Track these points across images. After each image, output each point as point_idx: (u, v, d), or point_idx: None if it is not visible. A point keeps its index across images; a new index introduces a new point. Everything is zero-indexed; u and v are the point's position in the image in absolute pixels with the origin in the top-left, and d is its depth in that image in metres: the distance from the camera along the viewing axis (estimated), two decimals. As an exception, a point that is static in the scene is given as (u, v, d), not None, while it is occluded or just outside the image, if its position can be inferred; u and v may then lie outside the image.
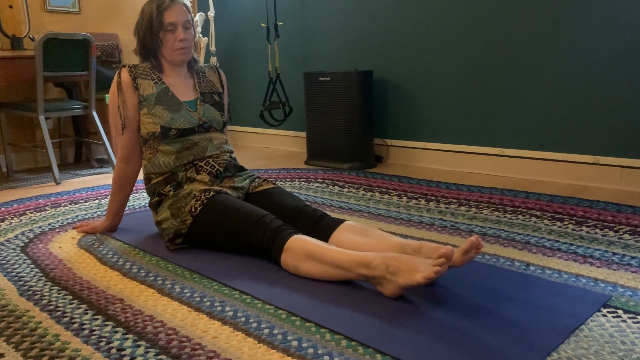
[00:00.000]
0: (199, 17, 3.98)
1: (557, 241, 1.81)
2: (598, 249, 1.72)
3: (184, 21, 1.89)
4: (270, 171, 3.20)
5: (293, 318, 1.30)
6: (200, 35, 4.05)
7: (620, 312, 1.29)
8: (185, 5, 1.92)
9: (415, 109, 3.27)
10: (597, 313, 1.28)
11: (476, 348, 1.13)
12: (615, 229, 1.91)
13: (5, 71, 3.05)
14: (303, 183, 2.87)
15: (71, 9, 3.79)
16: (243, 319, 1.30)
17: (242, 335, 1.23)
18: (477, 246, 1.38)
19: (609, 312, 1.29)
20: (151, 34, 1.88)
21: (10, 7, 3.47)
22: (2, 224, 2.23)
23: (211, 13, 4.02)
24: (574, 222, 2.01)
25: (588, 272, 1.54)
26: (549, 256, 1.68)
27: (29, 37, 3.36)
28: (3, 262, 1.78)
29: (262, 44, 4.03)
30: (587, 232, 1.89)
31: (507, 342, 1.15)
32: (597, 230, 1.90)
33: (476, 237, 1.37)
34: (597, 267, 1.58)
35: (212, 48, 4.06)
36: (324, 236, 1.65)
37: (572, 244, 1.77)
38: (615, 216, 2.05)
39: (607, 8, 2.47)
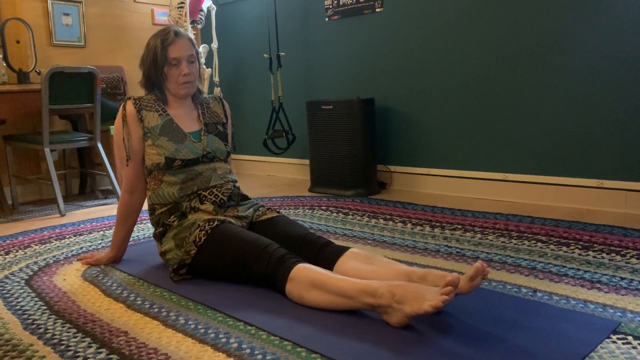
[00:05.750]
0: (202, 49, 4.05)
1: (564, 266, 1.79)
2: (605, 274, 1.70)
3: (188, 55, 1.91)
4: (274, 199, 3.20)
5: (299, 349, 1.29)
6: (204, 66, 4.11)
7: (630, 338, 1.27)
8: (190, 40, 1.95)
9: (418, 135, 3.28)
10: (607, 340, 1.26)
11: (485, 378, 1.11)
12: (622, 253, 1.90)
13: (12, 105, 3.09)
14: (307, 211, 2.87)
15: (77, 43, 3.86)
16: (248, 350, 1.29)
17: (247, 368, 1.21)
18: (483, 272, 1.37)
19: (618, 338, 1.27)
20: (156, 68, 1.91)
21: (18, 42, 3.53)
22: (6, 256, 2.23)
23: (214, 45, 4.08)
24: (580, 247, 2.00)
25: (596, 298, 1.52)
26: (556, 282, 1.66)
27: (36, 71, 3.41)
28: (7, 295, 1.78)
29: (265, 74, 4.08)
30: (594, 257, 1.87)
31: (516, 371, 1.13)
32: (604, 255, 1.89)
33: (481, 263, 1.36)
34: (605, 292, 1.56)
35: (216, 79, 4.12)
36: (329, 264, 1.64)
37: (579, 269, 1.76)
38: (621, 240, 2.04)
39: (608, 31, 2.50)
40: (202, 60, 4.04)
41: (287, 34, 3.94)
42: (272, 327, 1.40)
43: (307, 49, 3.85)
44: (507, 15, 2.80)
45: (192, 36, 1.97)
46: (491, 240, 2.14)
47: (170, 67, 1.91)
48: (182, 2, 3.92)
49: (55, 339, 1.42)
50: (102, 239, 2.47)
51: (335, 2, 3.60)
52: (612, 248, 1.96)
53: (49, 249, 2.33)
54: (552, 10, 2.65)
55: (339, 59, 3.65)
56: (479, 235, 2.22)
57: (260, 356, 1.26)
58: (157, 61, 1.90)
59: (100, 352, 1.32)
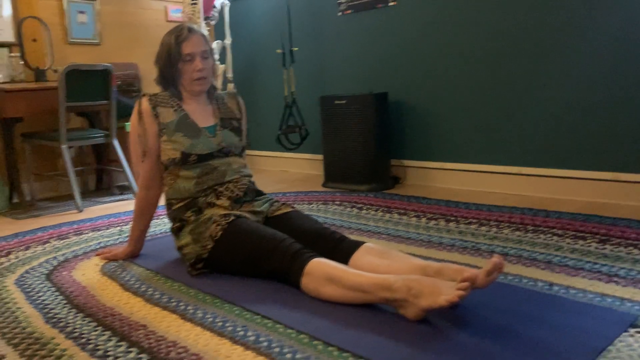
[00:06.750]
0: (215, 45, 4.06)
1: (581, 260, 1.78)
2: (623, 267, 1.69)
3: (201, 51, 1.93)
4: (288, 194, 3.21)
5: (315, 342, 1.30)
6: (218, 62, 4.13)
7: (648, 332, 1.26)
8: (203, 36, 1.96)
9: (431, 130, 3.27)
10: (624, 333, 1.26)
11: (501, 371, 1.12)
12: (639, 246, 1.88)
13: (29, 102, 3.13)
14: (321, 206, 2.87)
15: (92, 41, 3.90)
16: (265, 343, 1.31)
17: (264, 360, 1.23)
18: (500, 267, 1.37)
19: (636, 332, 1.26)
20: (170, 65, 1.93)
21: (34, 40, 3.58)
22: (26, 252, 2.27)
23: (228, 41, 4.10)
24: (596, 240, 1.98)
25: (613, 291, 1.51)
26: (572, 275, 1.65)
27: (52, 69, 3.45)
28: (28, 289, 1.81)
29: (278, 70, 4.08)
30: (611, 250, 1.86)
31: (533, 365, 1.13)
32: (621, 248, 1.87)
33: (498, 257, 1.35)
34: (623, 285, 1.55)
35: (229, 75, 4.13)
36: (344, 259, 1.65)
37: (595, 263, 1.75)
38: (639, 233, 2.02)
39: (623, 21, 2.46)
40: (216, 56, 4.05)
41: (300, 29, 3.94)
42: (289, 320, 1.42)
43: (320, 44, 3.85)
44: (523, 4, 2.78)
45: (206, 32, 1.98)
46: (506, 234, 2.13)
47: (184, 63, 1.92)
48: (196, -1, 3.93)
49: (76, 332, 1.45)
50: (119, 234, 2.50)
51: (348, -4, 3.59)
52: (629, 241, 1.94)
53: (67, 244, 2.37)
54: None
55: (352, 53, 3.65)
56: (494, 229, 2.21)
57: (277, 349, 1.27)
58: (171, 58, 1.92)
59: (120, 345, 1.35)
